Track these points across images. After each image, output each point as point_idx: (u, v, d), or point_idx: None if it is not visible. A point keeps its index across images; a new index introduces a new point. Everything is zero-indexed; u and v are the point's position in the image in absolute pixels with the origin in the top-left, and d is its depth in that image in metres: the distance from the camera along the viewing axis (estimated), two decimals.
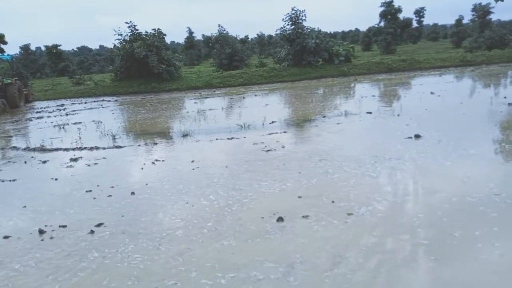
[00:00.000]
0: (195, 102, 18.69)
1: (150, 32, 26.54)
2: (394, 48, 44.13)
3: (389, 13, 45.54)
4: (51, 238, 5.26)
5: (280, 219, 5.22)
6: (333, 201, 5.68)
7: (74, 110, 18.66)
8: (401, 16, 47.66)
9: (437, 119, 10.61)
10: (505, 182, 6.05)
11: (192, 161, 8.21)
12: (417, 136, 8.80)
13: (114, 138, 11.20)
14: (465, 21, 56.45)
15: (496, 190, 5.68)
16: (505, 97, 13.04)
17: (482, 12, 45.72)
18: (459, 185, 6.01)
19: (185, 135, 10.92)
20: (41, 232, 5.41)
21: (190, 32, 60.11)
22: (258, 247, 4.64)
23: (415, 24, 61.67)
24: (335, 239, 4.68)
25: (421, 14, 64.02)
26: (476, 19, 46.84)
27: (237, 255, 4.50)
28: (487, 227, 4.68)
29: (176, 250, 4.70)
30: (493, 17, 46.99)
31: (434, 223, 4.86)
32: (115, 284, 4.13)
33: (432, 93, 15.19)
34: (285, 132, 10.51)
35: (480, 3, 46.50)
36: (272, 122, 11.81)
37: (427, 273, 3.93)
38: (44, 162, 9.22)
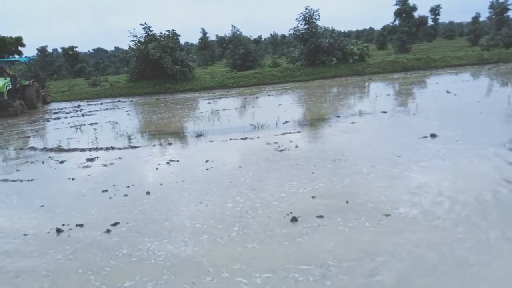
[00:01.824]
0: (208, 103, 18.77)
1: (164, 33, 26.76)
2: (409, 47, 43.65)
3: (404, 11, 45.13)
4: (69, 236, 5.35)
5: (294, 219, 5.22)
6: (347, 202, 5.65)
7: (90, 111, 18.92)
8: (416, 14, 47.27)
9: (453, 118, 10.46)
10: None
11: (206, 161, 8.26)
12: (433, 136, 8.70)
13: (129, 138, 11.34)
14: (482, 18, 55.44)
15: None
16: None
17: (499, 9, 44.86)
18: (481, 184, 5.91)
19: (199, 135, 10.98)
20: (58, 231, 5.50)
21: (204, 33, 60.48)
22: (286, 249, 4.60)
23: (430, 22, 61.00)
24: (370, 241, 4.60)
25: (437, 12, 63.27)
26: (493, 16, 45.98)
27: (266, 257, 4.49)
28: None
29: (198, 249, 4.74)
30: (511, 14, 46.13)
31: (467, 224, 4.78)
32: (148, 278, 4.22)
33: (448, 92, 14.98)
34: (298, 132, 10.49)
35: (497, 0, 45.68)
36: (286, 122, 11.80)
37: (469, 277, 3.85)
38: (61, 162, 9.38)
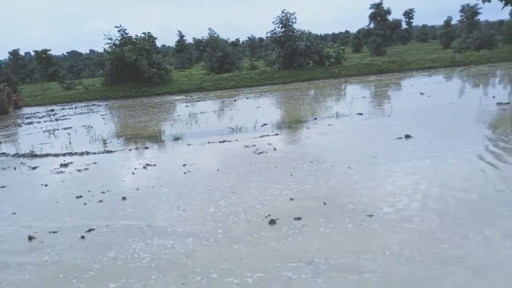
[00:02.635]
0: (186, 106, 18.64)
1: (140, 36, 26.51)
2: (384, 50, 44.48)
3: (379, 14, 46.00)
4: (42, 242, 5.21)
5: (273, 222, 5.21)
6: (325, 203, 5.69)
7: (64, 115, 18.52)
8: (390, 17, 48.23)
9: (427, 119, 10.68)
10: (502, 180, 6.07)
11: (184, 165, 8.18)
12: (407, 137, 8.85)
13: (104, 142, 11.13)
14: (453, 22, 57.14)
15: (500, 187, 5.72)
16: (493, 97, 13.17)
17: (470, 13, 46.26)
18: (460, 184, 6.01)
19: (176, 139, 10.88)
20: (30, 238, 5.35)
21: (181, 36, 60.14)
22: (270, 250, 4.60)
23: (404, 26, 62.16)
24: (355, 241, 4.62)
25: (410, 15, 64.61)
26: (464, 20, 47.39)
27: (251, 258, 4.47)
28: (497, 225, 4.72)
29: (183, 252, 4.71)
30: (481, 17, 47.64)
31: (448, 225, 4.82)
32: (135, 279, 4.22)
33: (422, 93, 15.30)
34: (276, 134, 10.52)
35: (468, 4, 47.08)
36: (264, 124, 11.82)
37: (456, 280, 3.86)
38: (34, 168, 9.13)
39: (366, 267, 4.08)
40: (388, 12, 46.46)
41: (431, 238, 4.54)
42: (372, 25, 46.95)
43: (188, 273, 4.23)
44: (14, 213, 6.37)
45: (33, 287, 4.30)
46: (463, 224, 4.81)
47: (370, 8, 46.45)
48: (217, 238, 4.97)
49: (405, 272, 3.98)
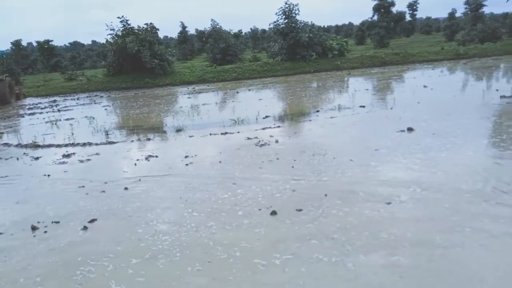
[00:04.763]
0: (188, 97, 18.62)
1: (143, 27, 26.41)
2: (388, 42, 44.15)
3: (382, 6, 45.60)
4: (45, 232, 5.25)
5: (273, 213, 5.23)
6: (326, 195, 5.70)
7: (66, 106, 18.55)
8: (394, 9, 47.75)
9: (430, 112, 10.63)
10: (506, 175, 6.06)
11: (186, 157, 8.19)
12: (410, 129, 8.83)
13: (107, 134, 11.15)
14: (458, 14, 56.66)
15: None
16: (497, 90, 13.10)
17: (474, 5, 45.89)
18: (464, 176, 6.01)
19: (178, 130, 10.89)
20: (33, 228, 5.38)
21: (183, 27, 59.81)
22: (294, 234, 4.69)
23: (408, 18, 61.66)
24: (376, 225, 4.74)
25: (414, 7, 64.06)
26: (469, 12, 47.04)
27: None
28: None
29: (206, 234, 4.86)
30: (486, 10, 47.25)
31: (462, 214, 4.88)
32: (161, 255, 4.43)
33: (425, 86, 15.23)
34: (278, 126, 10.51)
35: None
36: (266, 116, 11.80)
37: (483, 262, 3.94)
38: (37, 158, 9.16)
39: (395, 251, 4.17)
40: (392, 4, 46.04)
41: (450, 222, 4.67)
42: (375, 17, 46.57)
43: (214, 251, 4.42)
44: (17, 203, 6.40)
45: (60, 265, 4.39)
46: (477, 214, 4.87)
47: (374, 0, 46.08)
48: (239, 223, 5.08)
49: (432, 255, 4.08)
